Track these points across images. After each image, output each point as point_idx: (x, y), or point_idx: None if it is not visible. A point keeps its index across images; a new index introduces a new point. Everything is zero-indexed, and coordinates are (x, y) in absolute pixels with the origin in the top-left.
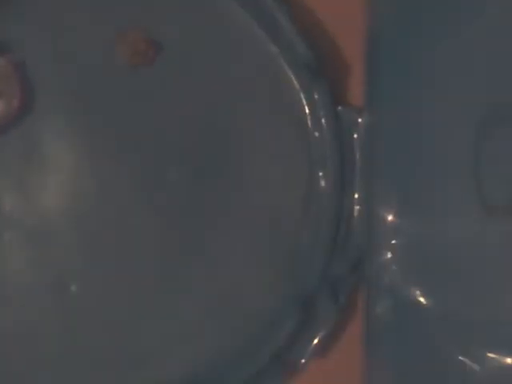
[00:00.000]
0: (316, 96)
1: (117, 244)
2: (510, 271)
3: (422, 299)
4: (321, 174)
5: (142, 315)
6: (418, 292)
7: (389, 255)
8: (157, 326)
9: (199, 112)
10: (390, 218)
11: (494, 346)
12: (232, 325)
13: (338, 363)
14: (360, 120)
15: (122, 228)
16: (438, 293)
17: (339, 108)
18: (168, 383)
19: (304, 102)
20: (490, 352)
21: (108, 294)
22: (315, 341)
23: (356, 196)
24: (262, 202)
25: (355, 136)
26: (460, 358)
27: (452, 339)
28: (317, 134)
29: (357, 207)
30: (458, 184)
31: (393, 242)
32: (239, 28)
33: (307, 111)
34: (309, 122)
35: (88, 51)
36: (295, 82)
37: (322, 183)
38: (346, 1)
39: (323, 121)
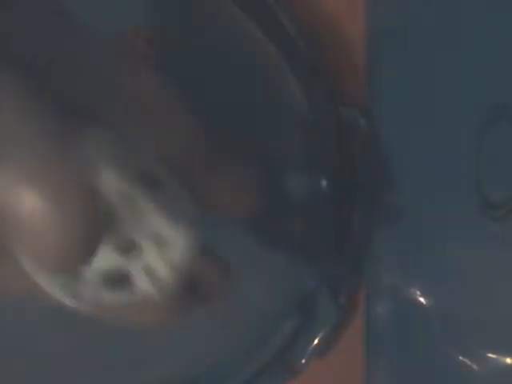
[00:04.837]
0: (316, 96)
1: None
2: (510, 271)
3: (422, 299)
4: (321, 174)
5: None
6: (418, 292)
7: (389, 255)
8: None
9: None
10: (389, 218)
11: (494, 345)
12: (232, 325)
13: (338, 363)
14: (361, 120)
15: None
16: (438, 293)
17: (340, 108)
18: (168, 383)
19: (304, 102)
20: (490, 352)
21: None
22: (315, 341)
23: (356, 196)
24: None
25: (356, 136)
26: (460, 357)
27: (452, 339)
28: (317, 134)
29: (357, 207)
30: (457, 184)
31: (393, 242)
32: (239, 28)
33: (308, 111)
34: (309, 122)
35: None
36: (295, 82)
37: (323, 183)
38: (346, 1)
39: (324, 121)
